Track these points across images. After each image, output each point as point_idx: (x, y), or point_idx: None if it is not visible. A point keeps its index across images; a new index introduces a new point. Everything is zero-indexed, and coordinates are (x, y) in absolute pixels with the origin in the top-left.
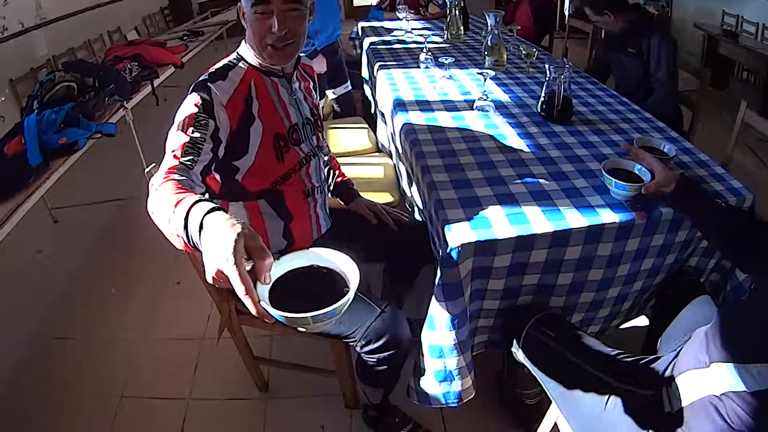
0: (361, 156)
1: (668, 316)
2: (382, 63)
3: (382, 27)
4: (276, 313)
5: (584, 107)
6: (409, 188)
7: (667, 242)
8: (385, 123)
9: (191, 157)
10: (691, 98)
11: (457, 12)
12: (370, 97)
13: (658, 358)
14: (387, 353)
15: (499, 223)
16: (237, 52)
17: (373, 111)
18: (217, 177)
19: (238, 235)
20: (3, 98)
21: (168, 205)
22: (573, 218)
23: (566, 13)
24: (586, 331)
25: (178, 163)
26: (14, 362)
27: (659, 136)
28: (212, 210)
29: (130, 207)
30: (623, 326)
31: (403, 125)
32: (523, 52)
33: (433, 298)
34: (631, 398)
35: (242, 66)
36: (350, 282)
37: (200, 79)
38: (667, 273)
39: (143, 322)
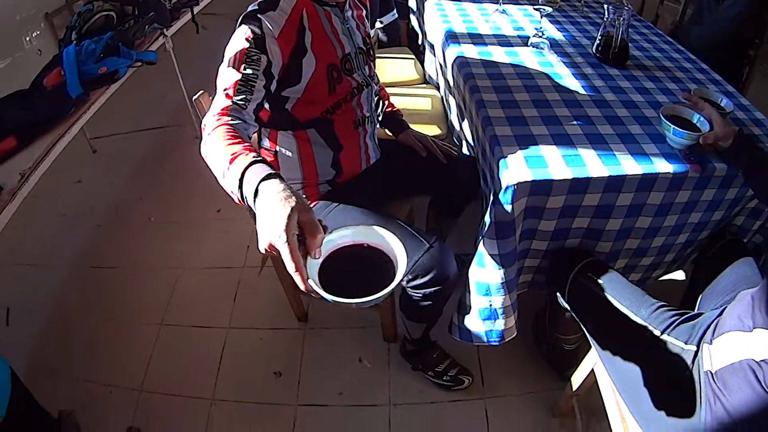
0: (408, 87)
1: (710, 273)
2: None
3: None
4: (323, 294)
5: (639, 52)
6: (460, 122)
7: (717, 198)
8: (434, 54)
9: (244, 96)
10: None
11: None
12: (417, 28)
13: (701, 314)
14: (433, 289)
15: (555, 163)
16: None
17: (420, 42)
18: (267, 107)
19: (292, 210)
20: (38, 32)
21: (222, 159)
22: (628, 164)
23: None
24: (627, 279)
25: (230, 103)
26: (56, 288)
27: (715, 89)
28: (268, 177)
29: (169, 135)
30: (663, 278)
31: (456, 58)
32: None
33: (484, 235)
34: (672, 351)
35: None
36: (398, 266)
37: (249, 9)
38: (712, 229)
39: (183, 251)
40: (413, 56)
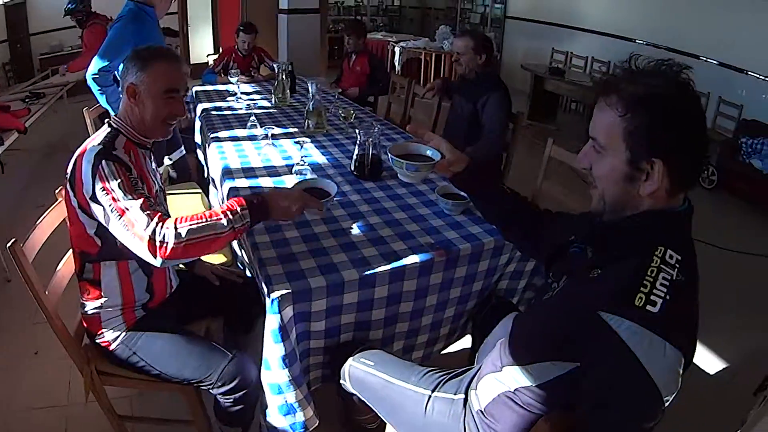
0: None
1: (484, 333)
2: (213, 130)
3: (215, 91)
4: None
5: None
6: (240, 248)
7: (470, 272)
8: (216, 188)
9: (155, 207)
10: (507, 140)
11: (284, 76)
12: (203, 162)
13: (469, 369)
14: (240, 393)
15: (312, 273)
16: (110, 125)
17: (205, 175)
18: (98, 241)
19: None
20: None
21: (216, 223)
22: (377, 263)
23: (396, 66)
24: (411, 358)
25: (154, 213)
26: None
27: None
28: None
29: None
30: (452, 349)
31: (229, 191)
32: (342, 114)
33: (264, 342)
34: (446, 403)
35: (121, 138)
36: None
37: (96, 149)
38: (478, 298)
39: (3, 394)
40: (200, 190)
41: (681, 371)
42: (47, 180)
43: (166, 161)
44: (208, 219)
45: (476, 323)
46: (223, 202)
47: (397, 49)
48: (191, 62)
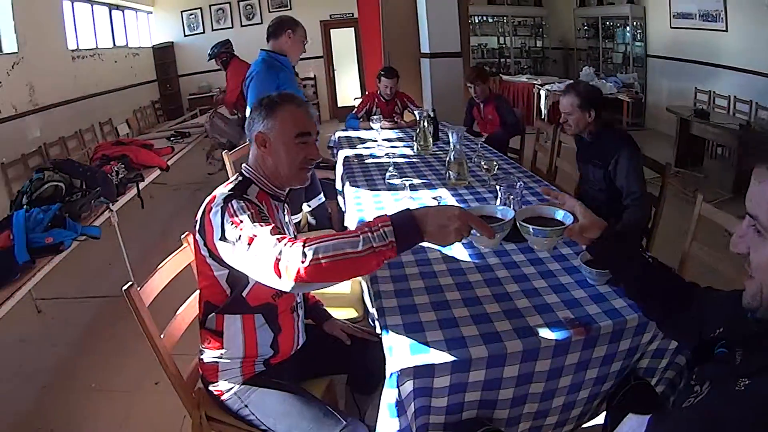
0: None
1: (619, 416)
2: (352, 180)
3: (358, 138)
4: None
5: None
6: (372, 305)
7: (610, 352)
8: None
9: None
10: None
11: (425, 123)
12: (343, 209)
13: None
14: None
15: (437, 346)
16: (243, 175)
17: (345, 223)
18: (228, 290)
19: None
20: None
21: (352, 240)
22: (509, 338)
23: (543, 110)
24: None
25: (284, 236)
26: None
27: None
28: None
29: (113, 304)
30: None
31: None
32: (484, 166)
33: (379, 413)
34: None
35: (254, 188)
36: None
37: (225, 194)
38: (615, 379)
39: (121, 420)
40: None
41: None
42: (187, 216)
43: (305, 208)
44: (342, 236)
45: (611, 404)
46: None
47: (542, 93)
48: (338, 105)
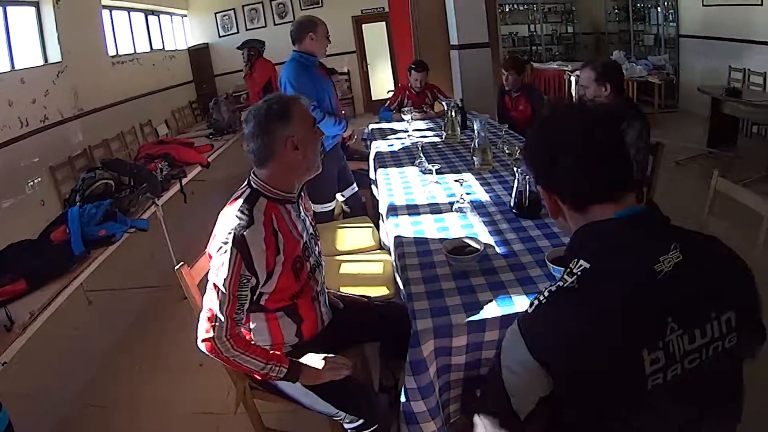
0: (363, 253)
1: None
2: (384, 166)
3: (390, 129)
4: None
5: None
6: (400, 279)
7: None
8: (384, 223)
9: (240, 313)
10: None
11: (453, 113)
12: (377, 197)
13: None
14: (371, 429)
15: (455, 310)
16: (251, 184)
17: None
18: None
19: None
20: (40, 179)
21: (257, 363)
22: (520, 302)
23: (574, 97)
24: None
25: (232, 322)
26: (53, 424)
27: None
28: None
29: (157, 294)
30: None
31: (394, 232)
32: (507, 150)
33: (404, 372)
34: None
35: (262, 201)
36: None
37: (234, 232)
38: None
39: (167, 397)
40: (371, 225)
41: None
42: None
43: (339, 197)
44: (256, 358)
45: None
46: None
47: (572, 79)
48: (372, 99)
